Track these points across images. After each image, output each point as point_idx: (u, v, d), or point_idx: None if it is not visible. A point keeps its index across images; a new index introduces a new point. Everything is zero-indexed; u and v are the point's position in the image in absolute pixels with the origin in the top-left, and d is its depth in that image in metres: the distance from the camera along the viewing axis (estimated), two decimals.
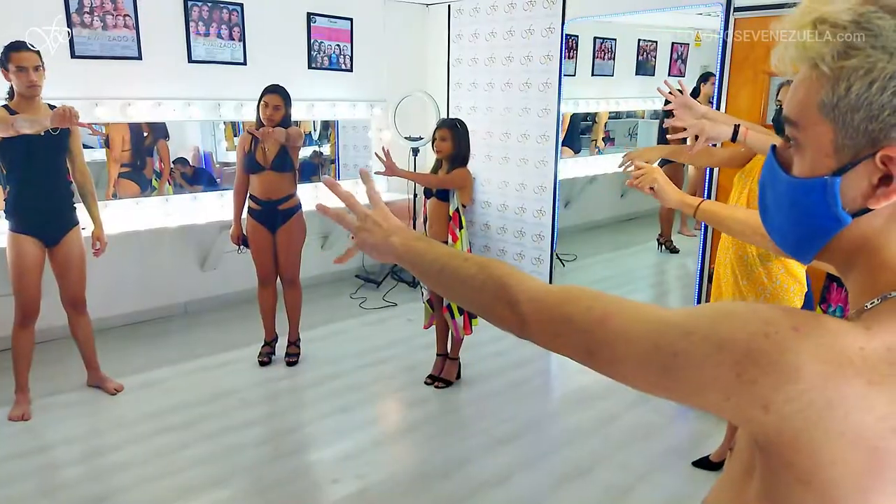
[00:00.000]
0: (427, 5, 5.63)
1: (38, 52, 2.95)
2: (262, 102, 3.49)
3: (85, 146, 4.41)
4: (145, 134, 4.79)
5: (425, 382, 3.62)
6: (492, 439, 3.09)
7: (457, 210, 3.36)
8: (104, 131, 4.60)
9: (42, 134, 2.89)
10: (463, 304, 0.88)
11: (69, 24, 3.81)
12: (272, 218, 3.62)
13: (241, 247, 3.77)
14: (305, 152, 5.50)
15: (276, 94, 3.49)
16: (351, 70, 5.20)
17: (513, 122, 5.22)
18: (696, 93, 4.77)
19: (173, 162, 4.91)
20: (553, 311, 0.72)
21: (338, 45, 5.08)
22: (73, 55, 3.86)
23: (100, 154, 4.57)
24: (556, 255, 5.20)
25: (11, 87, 2.98)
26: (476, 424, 3.28)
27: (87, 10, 3.86)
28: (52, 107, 3.05)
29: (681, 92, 1.93)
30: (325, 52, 5.02)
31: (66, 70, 3.77)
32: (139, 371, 3.70)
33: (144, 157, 4.82)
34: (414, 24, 5.59)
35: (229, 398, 3.46)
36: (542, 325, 0.73)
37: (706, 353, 0.57)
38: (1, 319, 3.36)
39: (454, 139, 3.34)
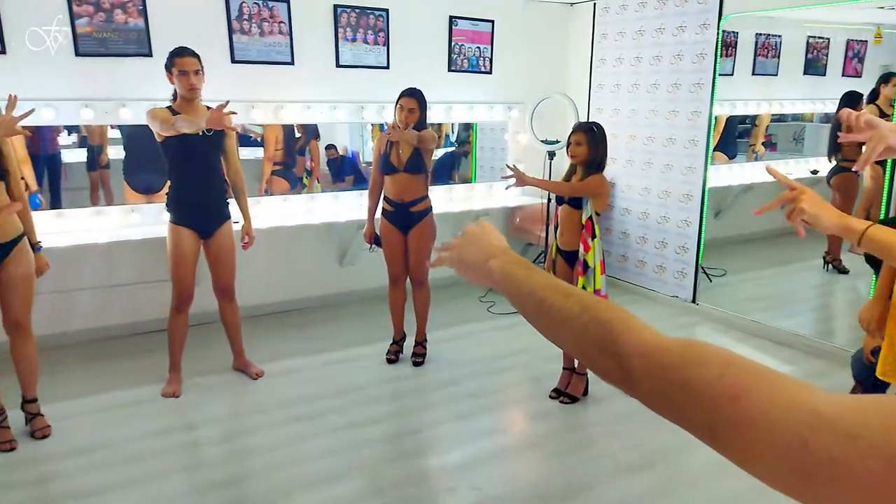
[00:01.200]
0: (571, 4, 5.45)
1: (198, 57, 3.18)
2: (398, 105, 3.54)
3: (251, 144, 4.80)
4: (298, 135, 5.07)
5: (550, 396, 3.48)
6: (619, 465, 2.89)
7: (590, 218, 3.18)
8: (260, 132, 4.94)
9: (199, 134, 3.11)
10: (562, 347, 0.75)
11: (230, 30, 4.11)
12: (404, 219, 3.65)
13: (373, 246, 3.85)
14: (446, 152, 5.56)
15: (412, 97, 3.52)
16: (490, 72, 5.16)
17: (658, 126, 4.92)
18: (874, 95, 4.20)
19: (326, 148, 5.13)
20: (671, 373, 0.58)
21: (478, 48, 5.06)
22: (232, 60, 4.15)
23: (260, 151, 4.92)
24: (703, 268, 4.82)
25: (175, 90, 3.24)
26: (602, 446, 3.09)
27: (245, 17, 4.14)
28: (210, 109, 3.28)
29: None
30: (465, 55, 5.02)
31: (225, 74, 4.06)
32: (278, 359, 3.90)
33: (295, 156, 5.10)
34: (556, 25, 5.44)
35: (356, 393, 3.54)
36: (655, 388, 0.59)
37: (874, 468, 0.41)
38: (160, 303, 3.67)
39: (590, 144, 3.16)
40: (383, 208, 3.72)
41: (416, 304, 3.85)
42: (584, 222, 3.19)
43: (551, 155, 4.94)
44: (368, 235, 3.83)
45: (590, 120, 4.64)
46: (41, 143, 4.26)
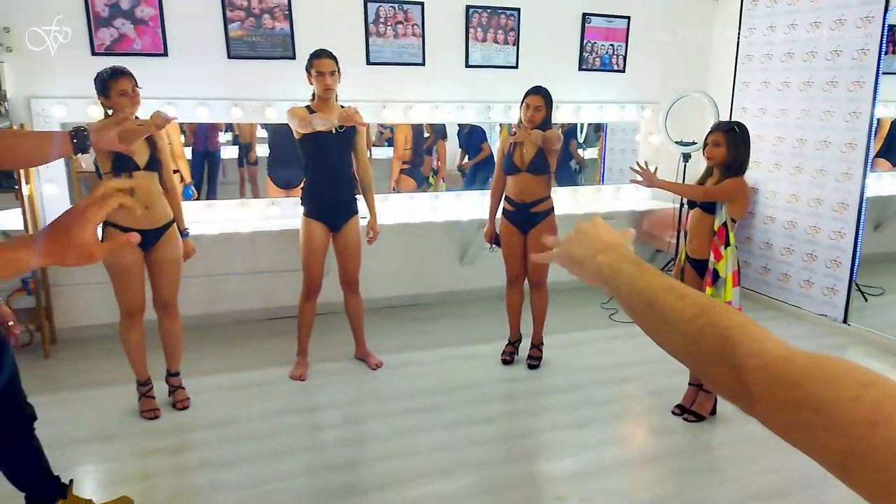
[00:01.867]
0: None
1: (335, 59, 3.33)
2: (524, 104, 3.50)
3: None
4: (427, 135, 5.18)
5: (673, 412, 3.29)
6: (746, 491, 2.68)
7: (724, 224, 2.96)
8: (392, 132, 5.10)
9: (332, 132, 3.26)
10: (673, 354, 0.67)
11: (366, 33, 4.27)
12: (525, 219, 3.61)
13: (493, 245, 3.83)
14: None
15: (538, 95, 3.46)
16: (623, 71, 4.98)
17: (811, 127, 4.51)
18: None
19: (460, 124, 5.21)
20: (795, 391, 0.50)
21: (611, 45, 4.90)
22: (367, 62, 4.31)
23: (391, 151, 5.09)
24: (857, 285, 4.36)
25: (314, 90, 3.41)
26: (729, 470, 2.88)
27: (382, 20, 4.28)
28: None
29: None
30: (597, 53, 4.88)
31: (361, 75, 4.22)
32: (397, 351, 4.00)
33: (423, 155, 5.22)
34: (699, 19, 5.14)
35: (471, 391, 3.55)
36: (776, 406, 0.52)
37: None
38: (291, 291, 3.89)
39: (729, 145, 2.95)
40: (504, 208, 3.70)
41: (534, 306, 3.80)
42: (716, 229, 2.98)
43: (686, 157, 4.67)
44: (489, 235, 3.83)
45: (732, 120, 4.34)
46: (201, 140, 4.68)
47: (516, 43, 4.64)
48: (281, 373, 3.67)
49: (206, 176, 4.73)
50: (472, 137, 5.34)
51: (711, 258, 3.01)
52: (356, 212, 3.61)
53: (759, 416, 0.55)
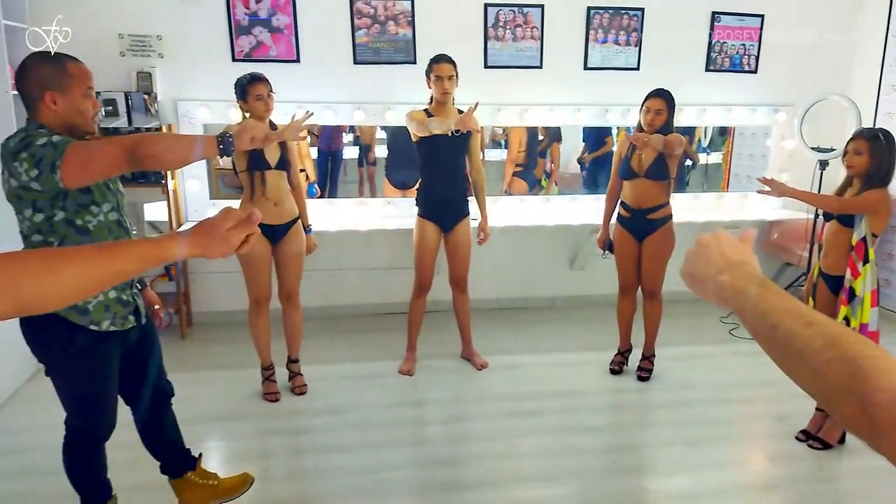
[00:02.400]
0: None
1: (454, 64, 3.39)
2: (644, 107, 3.40)
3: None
4: (541, 137, 5.14)
5: (797, 438, 3.08)
6: None
7: (863, 239, 2.73)
8: (503, 133, 5.11)
9: (448, 135, 3.32)
10: (797, 381, 0.65)
11: (485, 37, 4.31)
12: (641, 226, 3.50)
13: (606, 252, 3.75)
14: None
15: (659, 98, 3.35)
16: (755, 71, 4.70)
17: None
18: None
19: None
20: None
21: (742, 45, 4.64)
22: (485, 65, 4.35)
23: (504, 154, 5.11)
24: None
25: (432, 94, 3.49)
26: None
27: (501, 24, 4.31)
28: (459, 111, 3.49)
29: None
30: (726, 53, 4.64)
31: (479, 78, 4.27)
32: (503, 353, 4.01)
33: (536, 158, 5.19)
34: (840, 18, 4.75)
35: (576, 398, 3.50)
36: None
37: None
38: (403, 288, 4.00)
39: (873, 153, 2.71)
40: (619, 214, 3.61)
41: (647, 316, 3.68)
42: (854, 243, 2.75)
43: (823, 165, 4.33)
44: (602, 241, 3.75)
45: (876, 127, 3.98)
46: (325, 140, 4.92)
47: (639, 44, 4.51)
48: (391, 366, 3.80)
49: (329, 175, 4.96)
50: (593, 134, 5.24)
51: (848, 275, 2.78)
52: (468, 213, 3.67)
53: (886, 453, 0.52)
